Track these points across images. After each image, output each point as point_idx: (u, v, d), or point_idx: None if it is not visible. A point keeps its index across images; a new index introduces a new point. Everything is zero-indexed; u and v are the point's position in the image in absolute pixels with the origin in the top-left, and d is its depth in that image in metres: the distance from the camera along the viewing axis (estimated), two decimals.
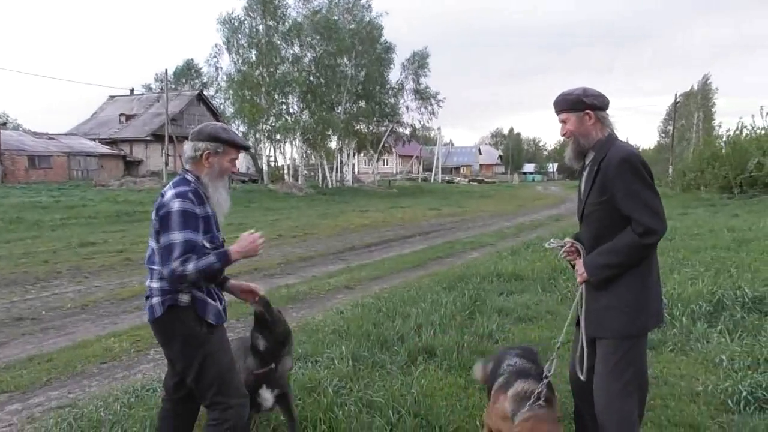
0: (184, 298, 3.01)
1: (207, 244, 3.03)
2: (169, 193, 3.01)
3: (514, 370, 3.64)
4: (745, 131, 33.31)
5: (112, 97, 56.54)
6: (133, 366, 5.79)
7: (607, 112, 3.14)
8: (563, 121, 3.13)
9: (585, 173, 3.17)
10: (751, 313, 6.36)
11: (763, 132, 32.10)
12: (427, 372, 4.87)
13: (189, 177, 3.11)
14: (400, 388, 4.49)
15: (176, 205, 2.93)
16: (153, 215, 3.05)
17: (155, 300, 3.02)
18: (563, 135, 3.17)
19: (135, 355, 6.10)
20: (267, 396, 3.45)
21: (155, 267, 3.04)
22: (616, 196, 2.94)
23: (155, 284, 3.04)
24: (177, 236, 2.89)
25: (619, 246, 2.96)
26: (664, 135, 76.14)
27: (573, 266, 3.25)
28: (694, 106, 64.11)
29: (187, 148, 3.16)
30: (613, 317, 3.02)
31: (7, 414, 4.64)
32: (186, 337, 3.03)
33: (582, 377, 3.21)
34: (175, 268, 2.86)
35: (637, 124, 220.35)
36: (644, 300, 3.01)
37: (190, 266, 2.86)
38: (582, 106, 3.06)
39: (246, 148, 3.39)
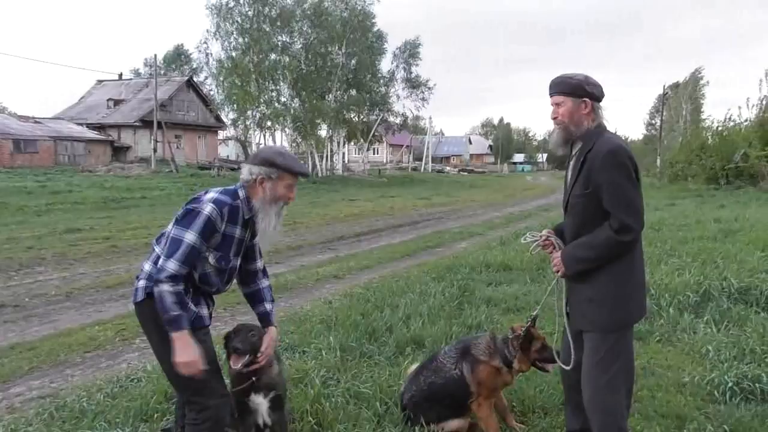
0: None
1: (212, 261, 2.97)
2: (211, 194, 2.98)
3: (453, 355, 3.79)
4: (731, 123, 33.58)
5: (100, 81, 55.90)
6: (118, 355, 5.72)
7: (601, 104, 3.10)
8: (557, 104, 3.07)
9: (572, 163, 3.14)
10: (737, 304, 6.38)
11: (748, 123, 32.35)
12: (416, 363, 4.84)
13: (241, 193, 3.03)
14: (388, 379, 4.47)
15: (208, 209, 2.89)
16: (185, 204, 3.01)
17: (140, 283, 2.99)
18: (554, 117, 3.10)
19: (120, 344, 6.04)
20: (260, 401, 3.27)
21: (157, 249, 2.98)
22: (600, 189, 2.90)
23: (147, 266, 2.99)
24: (190, 236, 2.84)
25: (596, 241, 2.94)
26: (650, 127, 76.36)
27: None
28: (683, 98, 64.27)
29: (244, 170, 3.06)
30: (596, 310, 3.01)
31: None
32: (158, 329, 2.94)
33: (567, 368, 3.24)
34: (166, 267, 2.80)
35: (627, 116, 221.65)
36: (627, 293, 2.99)
37: (165, 287, 2.78)
38: (582, 92, 3.02)
39: (304, 175, 3.15)
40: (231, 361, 3.17)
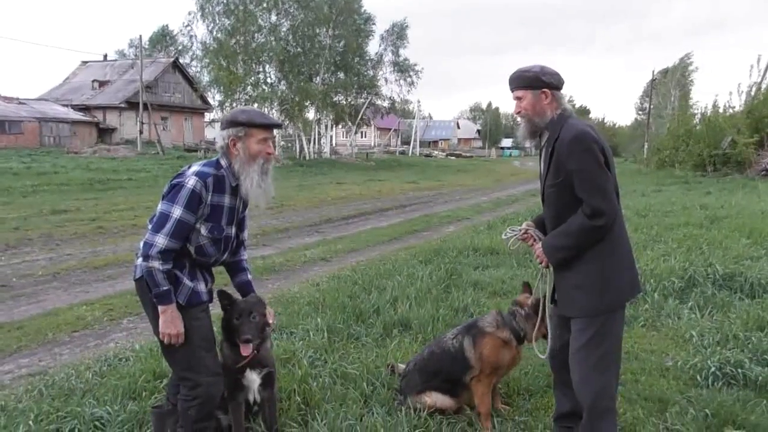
0: None
1: (204, 232, 2.99)
2: (195, 167, 3.02)
3: (462, 332, 3.78)
4: (719, 109, 33.72)
5: (84, 62, 55.07)
6: (106, 335, 5.73)
7: (562, 91, 3.11)
8: (519, 98, 3.09)
9: (542, 154, 3.16)
10: (722, 290, 6.47)
11: (737, 109, 32.56)
12: (402, 344, 4.89)
13: (223, 162, 3.06)
14: (375, 360, 4.51)
15: (191, 182, 2.93)
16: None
17: (139, 260, 3.01)
18: (517, 112, 3.13)
19: (107, 324, 6.04)
20: (253, 377, 3.28)
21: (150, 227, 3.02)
22: (570, 175, 2.92)
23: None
24: (177, 211, 2.89)
25: (571, 228, 2.95)
26: (641, 112, 76.50)
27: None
28: (672, 84, 64.28)
29: (218, 139, 3.11)
30: (581, 296, 3.02)
31: None
32: (156, 306, 2.97)
33: (542, 357, 3.33)
34: (156, 243, 2.87)
35: (616, 101, 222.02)
36: (610, 276, 2.99)
37: (156, 264, 2.87)
38: (539, 83, 3.03)
39: (269, 126, 3.10)
40: (242, 350, 3.15)
